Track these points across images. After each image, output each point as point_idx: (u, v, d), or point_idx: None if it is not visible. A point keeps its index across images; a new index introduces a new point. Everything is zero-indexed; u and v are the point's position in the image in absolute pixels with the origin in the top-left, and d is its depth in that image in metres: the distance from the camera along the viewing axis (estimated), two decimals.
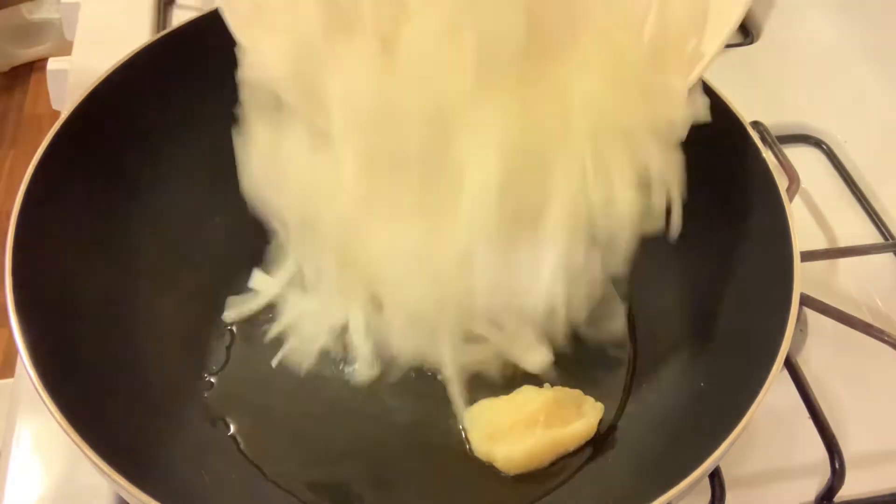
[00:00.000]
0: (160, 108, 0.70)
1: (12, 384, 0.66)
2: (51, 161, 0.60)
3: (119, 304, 0.65)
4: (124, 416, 0.59)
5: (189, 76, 0.71)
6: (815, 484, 0.65)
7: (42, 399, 0.49)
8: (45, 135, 0.60)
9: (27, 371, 0.50)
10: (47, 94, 0.97)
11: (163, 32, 0.69)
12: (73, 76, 0.89)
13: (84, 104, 0.63)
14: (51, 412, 0.49)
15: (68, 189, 0.62)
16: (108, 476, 0.47)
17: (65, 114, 0.62)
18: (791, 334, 0.53)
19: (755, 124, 0.84)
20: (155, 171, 0.71)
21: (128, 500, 0.49)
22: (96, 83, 0.64)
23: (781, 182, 0.61)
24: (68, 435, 0.48)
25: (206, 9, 0.70)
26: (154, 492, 0.47)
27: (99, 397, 0.58)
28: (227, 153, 0.75)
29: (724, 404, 0.56)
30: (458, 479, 0.63)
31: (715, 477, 0.63)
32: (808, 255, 0.74)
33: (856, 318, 0.69)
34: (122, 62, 0.65)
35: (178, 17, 0.96)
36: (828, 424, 0.65)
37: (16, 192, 0.57)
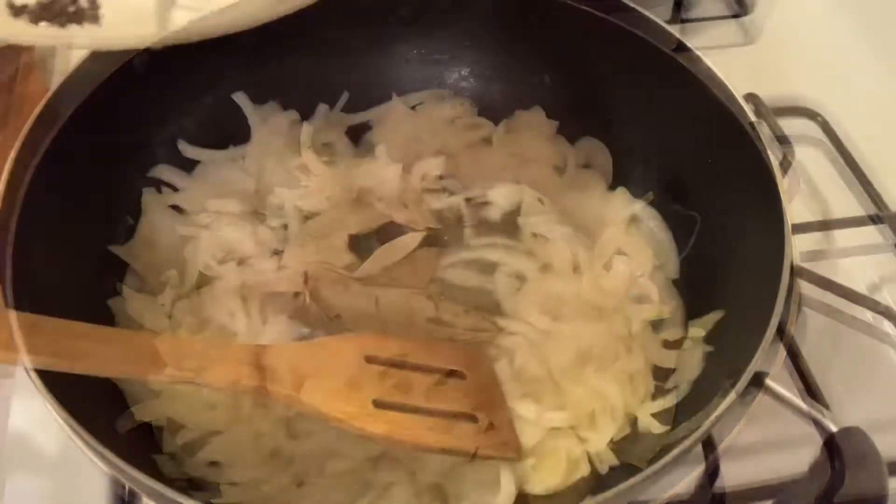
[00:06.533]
0: (159, 108, 0.71)
1: (12, 384, 0.66)
2: (50, 162, 0.60)
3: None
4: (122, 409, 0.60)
5: (188, 77, 0.71)
6: (815, 484, 0.64)
7: (41, 397, 0.49)
8: (34, 118, 0.60)
9: (27, 370, 0.50)
10: (38, 75, 0.96)
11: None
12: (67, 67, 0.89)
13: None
14: (49, 409, 0.49)
15: (68, 189, 0.63)
16: (113, 463, 0.48)
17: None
18: (783, 301, 0.53)
19: (750, 97, 0.83)
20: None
21: (132, 486, 0.49)
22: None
23: (775, 154, 0.61)
24: (67, 432, 0.49)
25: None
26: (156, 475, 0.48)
27: (98, 392, 0.58)
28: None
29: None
30: None
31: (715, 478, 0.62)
32: (801, 228, 0.74)
33: (850, 289, 0.69)
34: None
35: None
36: (827, 424, 0.64)
37: None
